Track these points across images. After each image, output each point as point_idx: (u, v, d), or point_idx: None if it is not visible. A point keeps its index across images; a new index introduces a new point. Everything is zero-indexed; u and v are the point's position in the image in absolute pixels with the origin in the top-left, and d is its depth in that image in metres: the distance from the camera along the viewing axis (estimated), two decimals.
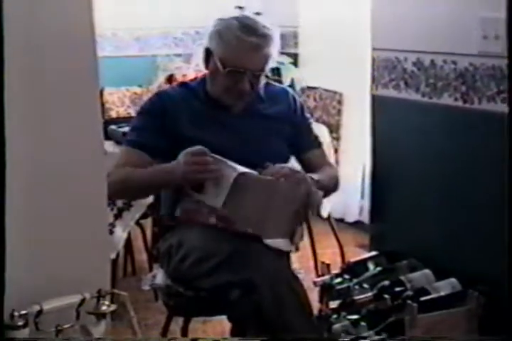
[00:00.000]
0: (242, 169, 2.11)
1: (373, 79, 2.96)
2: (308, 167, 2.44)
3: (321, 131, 3.63)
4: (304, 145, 2.48)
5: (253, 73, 2.27)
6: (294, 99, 2.48)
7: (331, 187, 2.41)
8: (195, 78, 2.48)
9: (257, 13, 4.71)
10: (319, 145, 2.54)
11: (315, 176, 2.28)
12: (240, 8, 4.69)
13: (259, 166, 2.18)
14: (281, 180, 2.12)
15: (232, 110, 2.35)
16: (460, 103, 2.54)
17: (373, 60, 2.95)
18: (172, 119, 2.30)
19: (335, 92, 4.05)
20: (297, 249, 2.25)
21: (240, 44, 2.24)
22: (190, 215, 2.20)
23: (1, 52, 1.32)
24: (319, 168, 2.42)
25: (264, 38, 2.25)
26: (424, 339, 2.22)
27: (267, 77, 2.39)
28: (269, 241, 2.10)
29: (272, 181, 2.12)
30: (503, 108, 2.35)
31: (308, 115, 2.54)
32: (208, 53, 2.32)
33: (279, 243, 2.13)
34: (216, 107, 2.34)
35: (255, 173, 2.15)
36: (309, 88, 4.29)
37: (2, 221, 1.34)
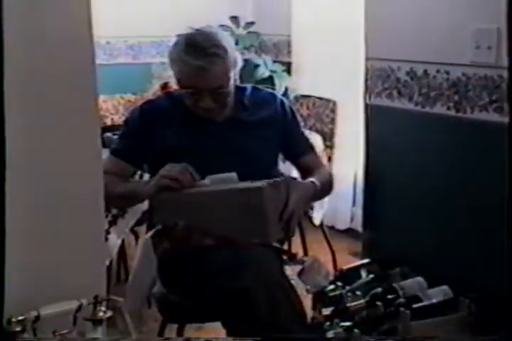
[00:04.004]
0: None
1: (367, 88, 2.98)
2: (304, 171, 2.46)
3: (314, 139, 3.64)
4: (298, 150, 2.47)
5: (213, 91, 2.22)
6: (282, 103, 2.44)
7: (326, 190, 2.43)
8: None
9: (251, 23, 4.77)
10: (312, 148, 2.54)
11: (314, 180, 2.30)
12: (234, 17, 4.72)
13: (245, 173, 2.15)
14: (264, 185, 2.05)
15: (213, 120, 2.33)
16: (453, 112, 2.56)
17: (367, 69, 2.97)
18: (154, 129, 2.30)
19: (328, 101, 4.06)
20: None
21: (186, 66, 2.19)
22: (181, 243, 2.12)
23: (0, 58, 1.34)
24: (315, 172, 2.42)
25: (212, 57, 2.17)
26: (418, 339, 2.22)
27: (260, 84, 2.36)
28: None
29: (259, 189, 2.04)
30: (495, 117, 2.38)
31: (299, 119, 2.52)
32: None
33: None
34: (197, 117, 2.32)
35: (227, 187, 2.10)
36: (303, 96, 4.30)
37: (2, 228, 1.36)
